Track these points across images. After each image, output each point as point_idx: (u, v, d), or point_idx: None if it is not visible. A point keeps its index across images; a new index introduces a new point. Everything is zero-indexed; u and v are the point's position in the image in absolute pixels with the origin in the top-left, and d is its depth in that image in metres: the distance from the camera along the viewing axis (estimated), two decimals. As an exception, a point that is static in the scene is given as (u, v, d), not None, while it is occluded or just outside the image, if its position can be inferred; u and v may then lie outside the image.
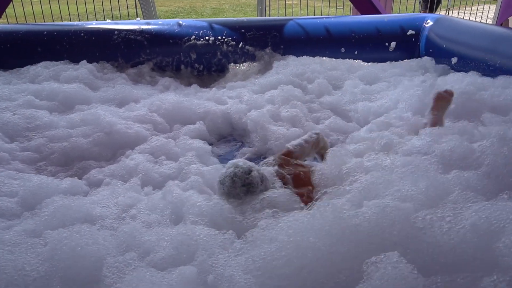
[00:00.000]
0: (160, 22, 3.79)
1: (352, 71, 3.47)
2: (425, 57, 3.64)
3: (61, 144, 2.21)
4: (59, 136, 2.28)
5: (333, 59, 3.69)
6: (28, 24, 4.41)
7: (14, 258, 1.19)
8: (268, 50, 3.73)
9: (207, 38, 3.65)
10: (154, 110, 2.66)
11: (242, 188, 1.50)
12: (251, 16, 9.42)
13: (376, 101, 2.77)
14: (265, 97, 2.92)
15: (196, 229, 1.31)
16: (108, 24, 3.65)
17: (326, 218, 1.17)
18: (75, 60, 3.39)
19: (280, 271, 1.07)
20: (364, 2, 5.20)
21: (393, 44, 3.82)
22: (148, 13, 6.77)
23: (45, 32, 3.47)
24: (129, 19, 5.59)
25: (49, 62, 3.31)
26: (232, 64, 3.67)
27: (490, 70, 2.93)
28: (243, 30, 3.74)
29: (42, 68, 3.21)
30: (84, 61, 3.35)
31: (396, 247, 1.07)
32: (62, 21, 5.56)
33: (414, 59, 3.68)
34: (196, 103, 2.79)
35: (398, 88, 2.88)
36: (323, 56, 3.72)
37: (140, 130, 2.40)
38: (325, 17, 4.16)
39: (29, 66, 3.26)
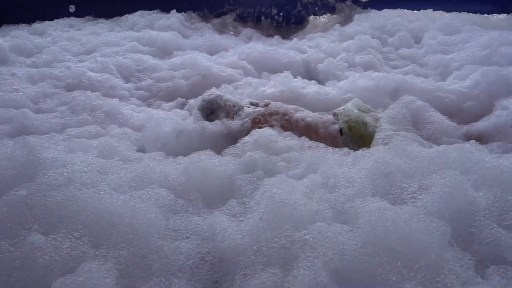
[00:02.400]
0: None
1: (433, 21, 3.36)
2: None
3: (166, 84, 2.50)
4: (164, 77, 2.56)
5: (415, 11, 3.59)
6: None
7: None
8: (348, 2, 3.70)
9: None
10: (243, 58, 2.85)
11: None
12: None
13: (451, 53, 2.72)
14: (342, 46, 2.99)
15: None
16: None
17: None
18: (165, 9, 3.64)
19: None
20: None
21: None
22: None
23: (139, -17, 3.73)
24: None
25: (143, 11, 3.59)
26: (311, 16, 3.71)
27: None
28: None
29: (139, 17, 3.50)
30: (174, 11, 3.59)
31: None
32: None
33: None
34: (281, 53, 2.93)
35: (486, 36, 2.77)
36: (404, 9, 3.63)
37: (233, 74, 2.61)
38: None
39: (127, 15, 3.57)
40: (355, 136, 1.78)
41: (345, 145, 1.75)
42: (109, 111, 2.05)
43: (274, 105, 1.92)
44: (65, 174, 1.31)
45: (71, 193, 1.21)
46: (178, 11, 3.62)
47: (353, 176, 1.32)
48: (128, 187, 1.30)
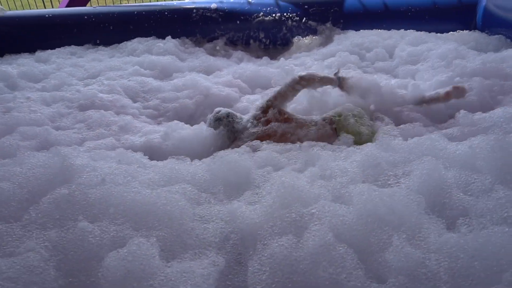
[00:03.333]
0: (232, 0, 4.22)
1: (403, 37, 3.72)
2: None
3: (172, 105, 2.73)
4: (169, 98, 2.79)
5: (389, 30, 3.95)
6: (121, 5, 4.97)
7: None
8: (328, 24, 4.06)
9: (273, 14, 4.04)
10: (237, 77, 3.13)
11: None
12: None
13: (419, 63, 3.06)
14: (324, 63, 3.31)
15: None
16: (186, 3, 4.13)
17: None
18: (161, 36, 3.91)
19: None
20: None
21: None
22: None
23: (135, 12, 4.01)
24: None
25: (141, 38, 3.85)
26: (295, 38, 4.05)
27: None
28: (306, 6, 4.09)
29: (137, 43, 3.76)
30: (169, 37, 3.87)
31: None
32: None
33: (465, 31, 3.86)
34: (271, 71, 3.22)
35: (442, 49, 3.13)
36: (380, 29, 4.00)
37: (230, 92, 2.87)
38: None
39: (125, 42, 3.82)
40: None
41: None
42: (124, 125, 2.27)
43: (273, 125, 2.14)
44: (98, 176, 1.52)
45: (108, 190, 1.42)
46: (173, 37, 3.89)
47: (346, 167, 1.57)
48: (157, 185, 1.51)
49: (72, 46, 3.83)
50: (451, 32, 3.88)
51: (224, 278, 1.15)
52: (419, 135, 1.85)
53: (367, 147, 1.72)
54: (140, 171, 1.64)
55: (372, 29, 3.99)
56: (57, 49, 3.75)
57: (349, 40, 3.77)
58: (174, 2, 4.22)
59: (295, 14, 4.06)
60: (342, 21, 4.09)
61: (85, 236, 1.22)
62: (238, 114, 2.19)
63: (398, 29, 3.97)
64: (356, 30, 3.99)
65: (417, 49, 3.37)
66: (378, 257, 1.13)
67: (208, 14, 4.02)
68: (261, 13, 4.05)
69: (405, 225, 1.21)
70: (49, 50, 3.71)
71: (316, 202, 1.28)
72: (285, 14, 4.07)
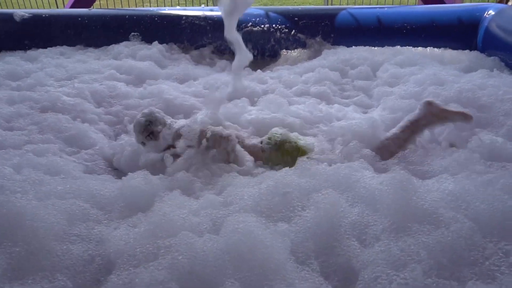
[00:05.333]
0: (223, 9, 4.22)
1: (395, 55, 3.56)
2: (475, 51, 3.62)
3: (131, 112, 2.76)
4: (132, 104, 2.83)
5: (383, 47, 3.82)
6: (115, 9, 5.10)
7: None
8: (318, 38, 3.97)
9: (262, 25, 4.00)
10: (207, 88, 3.12)
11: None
12: (320, 4, 9.51)
13: (397, 86, 2.92)
14: (301, 78, 3.23)
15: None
16: (178, 10, 4.18)
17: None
18: (149, 41, 3.97)
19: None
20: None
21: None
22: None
23: (127, 16, 4.09)
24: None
25: (129, 42, 3.93)
26: (284, 50, 3.99)
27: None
28: (296, 19, 4.02)
29: (123, 47, 3.83)
30: (156, 42, 3.92)
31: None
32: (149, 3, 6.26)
33: (463, 50, 3.66)
34: (243, 84, 3.19)
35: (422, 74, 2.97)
36: (373, 46, 3.87)
37: (195, 103, 2.86)
38: (379, 7, 4.26)
39: (113, 45, 3.91)
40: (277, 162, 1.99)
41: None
42: (75, 134, 2.30)
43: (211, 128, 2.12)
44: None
45: None
46: (160, 42, 3.94)
47: (249, 194, 1.53)
48: (51, 197, 1.52)
49: (64, 46, 3.97)
50: (449, 50, 3.70)
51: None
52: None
53: (284, 173, 1.66)
54: (51, 182, 1.66)
55: (365, 45, 3.87)
56: (49, 48, 3.89)
57: (337, 56, 3.67)
58: (166, 8, 4.27)
59: (284, 26, 4.00)
60: (332, 35, 3.99)
61: None
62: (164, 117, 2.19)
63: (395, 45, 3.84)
64: (347, 46, 3.89)
65: (400, 71, 3.22)
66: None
67: (197, 21, 4.04)
68: (250, 23, 4.02)
69: (264, 268, 1.15)
70: (41, 49, 3.86)
71: (179, 233, 1.25)
72: (274, 25, 4.02)
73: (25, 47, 3.92)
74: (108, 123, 2.67)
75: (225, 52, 4.08)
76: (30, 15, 4.02)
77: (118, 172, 2.11)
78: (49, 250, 1.24)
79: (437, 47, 3.79)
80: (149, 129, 2.10)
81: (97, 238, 1.32)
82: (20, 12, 4.02)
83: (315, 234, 1.32)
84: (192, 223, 1.31)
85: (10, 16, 4.00)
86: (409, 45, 3.83)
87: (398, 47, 3.82)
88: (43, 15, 4.07)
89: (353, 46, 3.86)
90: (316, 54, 3.92)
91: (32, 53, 3.78)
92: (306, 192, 1.53)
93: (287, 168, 1.77)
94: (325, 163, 1.75)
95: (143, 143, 2.11)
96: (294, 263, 1.18)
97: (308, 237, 1.30)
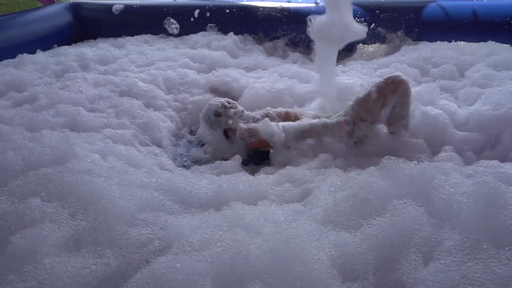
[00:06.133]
0: (300, 0, 4.14)
1: (490, 55, 3.16)
2: None
3: (197, 98, 2.87)
4: (197, 92, 2.94)
5: (473, 43, 3.40)
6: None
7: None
8: (400, 33, 3.68)
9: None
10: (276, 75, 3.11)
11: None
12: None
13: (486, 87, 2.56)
14: (376, 73, 3.02)
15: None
16: (254, 1, 4.19)
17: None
18: (225, 31, 4.07)
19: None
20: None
21: None
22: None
23: (206, 7, 4.23)
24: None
25: (205, 32, 4.07)
26: (360, 44, 3.78)
27: None
28: (377, 11, 3.77)
29: (200, 37, 3.99)
30: (231, 33, 4.00)
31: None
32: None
33: None
34: (311, 75, 3.09)
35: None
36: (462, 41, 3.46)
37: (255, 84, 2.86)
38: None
39: (191, 34, 4.09)
40: None
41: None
42: (147, 123, 2.45)
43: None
44: (86, 166, 1.71)
45: (82, 178, 1.58)
46: (236, 33, 4.01)
47: (328, 201, 1.48)
48: (135, 187, 1.62)
49: (149, 35, 4.26)
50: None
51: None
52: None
53: (370, 173, 1.57)
54: (132, 173, 1.78)
55: (451, 41, 3.49)
56: (136, 36, 4.21)
57: (417, 52, 3.36)
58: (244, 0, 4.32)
59: (363, 19, 3.78)
60: (417, 30, 3.66)
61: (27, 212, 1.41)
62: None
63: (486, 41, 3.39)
64: (431, 41, 3.54)
65: (494, 74, 2.82)
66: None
67: (273, 13, 4.02)
68: (326, 15, 3.86)
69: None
70: (129, 37, 4.19)
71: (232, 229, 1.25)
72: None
73: (117, 35, 4.30)
74: (176, 110, 2.80)
75: (299, 44, 4.01)
76: (123, 5, 4.38)
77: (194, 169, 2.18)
78: (110, 228, 1.31)
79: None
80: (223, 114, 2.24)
81: (161, 225, 1.36)
82: (118, 5, 4.40)
83: (380, 246, 1.22)
84: (253, 222, 1.30)
85: (109, 8, 4.43)
86: (506, 41, 3.33)
87: (493, 43, 3.36)
88: (134, 6, 4.41)
89: (438, 42, 3.51)
90: (395, 49, 3.65)
91: (121, 40, 4.13)
92: (386, 197, 1.41)
93: (372, 168, 1.63)
94: (414, 162, 1.61)
95: (226, 134, 2.23)
96: (344, 274, 1.12)
97: (372, 248, 1.21)
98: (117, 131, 2.33)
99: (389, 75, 1.93)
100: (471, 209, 1.25)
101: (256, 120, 2.21)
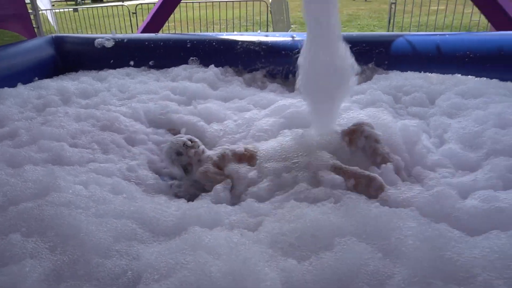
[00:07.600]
0: (277, 34, 4.35)
1: (458, 85, 3.36)
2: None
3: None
4: (181, 121, 3.02)
5: (441, 74, 3.62)
6: (177, 34, 5.50)
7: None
8: (370, 65, 3.90)
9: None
10: (252, 104, 3.25)
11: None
12: (383, 27, 9.33)
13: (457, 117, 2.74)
14: (352, 99, 3.15)
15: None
16: (234, 35, 4.38)
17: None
18: (206, 64, 4.21)
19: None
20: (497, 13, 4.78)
21: None
22: (279, 21, 7.43)
23: (188, 41, 4.39)
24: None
25: (187, 65, 4.21)
26: (334, 74, 3.96)
27: None
28: (350, 45, 3.98)
29: (181, 70, 4.12)
30: (212, 65, 4.15)
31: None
32: (213, 24, 6.75)
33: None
34: (281, 103, 3.20)
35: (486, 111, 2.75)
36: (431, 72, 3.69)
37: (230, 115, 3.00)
38: (439, 34, 4.07)
39: (173, 67, 4.21)
40: None
41: None
42: (131, 156, 2.54)
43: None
44: (67, 198, 1.76)
45: (62, 211, 1.63)
46: (216, 65, 4.16)
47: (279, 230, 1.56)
48: (104, 215, 1.68)
49: (131, 68, 4.37)
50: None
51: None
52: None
53: (326, 209, 1.67)
54: (110, 201, 1.83)
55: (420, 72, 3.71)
56: (118, 69, 4.31)
57: (389, 81, 3.57)
58: (224, 33, 4.50)
59: (336, 51, 3.99)
60: (386, 62, 3.89)
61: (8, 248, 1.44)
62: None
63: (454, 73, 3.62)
64: (402, 71, 3.76)
65: (463, 102, 3.02)
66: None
67: (252, 46, 4.20)
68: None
69: None
70: (111, 70, 4.29)
71: (196, 252, 1.32)
72: (326, 51, 4.02)
73: (99, 68, 4.39)
74: (156, 143, 2.86)
75: (277, 76, 4.18)
76: (107, 40, 4.50)
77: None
78: (88, 261, 1.37)
79: (506, 78, 3.49)
80: (183, 152, 2.34)
81: (134, 255, 1.43)
82: (100, 39, 4.52)
83: (328, 279, 1.30)
84: (210, 245, 1.38)
85: (91, 41, 4.54)
86: (474, 74, 3.58)
87: (459, 75, 3.60)
88: (117, 39, 4.53)
89: (408, 72, 3.73)
90: (367, 79, 3.85)
91: (103, 73, 4.21)
92: (338, 235, 1.48)
93: (329, 204, 1.73)
94: (377, 203, 1.72)
95: (186, 169, 2.32)
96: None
97: (319, 279, 1.29)
98: (101, 165, 2.38)
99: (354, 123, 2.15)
100: (420, 243, 1.34)
101: (213, 161, 2.30)
